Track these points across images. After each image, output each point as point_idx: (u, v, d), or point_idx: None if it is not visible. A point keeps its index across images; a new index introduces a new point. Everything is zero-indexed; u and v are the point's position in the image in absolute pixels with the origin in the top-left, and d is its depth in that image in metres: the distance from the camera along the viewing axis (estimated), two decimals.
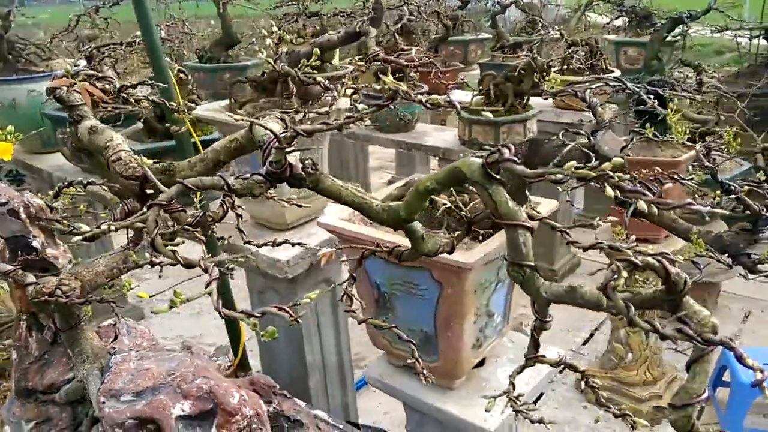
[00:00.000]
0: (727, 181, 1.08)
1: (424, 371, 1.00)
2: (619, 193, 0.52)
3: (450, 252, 0.68)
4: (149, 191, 0.69)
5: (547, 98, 2.82)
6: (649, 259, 0.58)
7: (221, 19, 2.99)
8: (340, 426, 1.14)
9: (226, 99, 1.87)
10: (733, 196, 1.02)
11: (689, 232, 1.11)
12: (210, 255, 0.79)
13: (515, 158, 0.52)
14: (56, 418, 1.00)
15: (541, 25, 3.07)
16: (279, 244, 1.14)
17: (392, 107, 2.95)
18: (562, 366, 0.69)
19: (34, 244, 0.90)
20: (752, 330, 3.04)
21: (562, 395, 2.65)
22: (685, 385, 0.57)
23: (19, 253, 0.89)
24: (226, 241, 1.84)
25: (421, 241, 0.64)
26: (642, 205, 0.63)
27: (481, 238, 1.30)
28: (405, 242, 1.31)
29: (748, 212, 1.05)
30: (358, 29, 1.78)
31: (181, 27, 2.80)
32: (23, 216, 0.88)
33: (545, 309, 0.65)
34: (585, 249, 0.64)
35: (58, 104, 2.26)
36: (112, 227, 0.60)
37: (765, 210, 1.02)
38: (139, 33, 1.90)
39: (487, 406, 0.80)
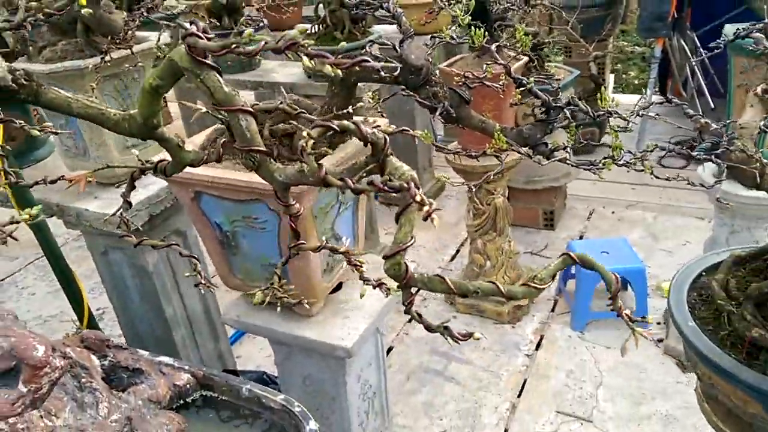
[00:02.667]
0: (522, 80, 1.14)
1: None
2: (308, 60, 0.51)
3: (218, 160, 0.66)
4: None
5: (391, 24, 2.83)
6: (346, 122, 0.61)
7: None
8: (186, 367, 1.12)
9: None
10: (523, 89, 1.09)
11: (494, 130, 1.18)
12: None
13: (198, 33, 0.50)
14: None
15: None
16: None
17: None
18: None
19: None
20: (595, 226, 3.37)
21: (434, 309, 2.80)
22: (395, 236, 0.61)
23: None
24: (55, 205, 1.71)
25: (179, 150, 0.61)
26: None
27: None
28: (230, 175, 1.28)
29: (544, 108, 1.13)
30: None
31: None
32: None
33: (284, 192, 0.66)
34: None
35: None
36: None
37: (553, 101, 1.09)
38: None
39: (361, 291, 0.82)
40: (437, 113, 1.16)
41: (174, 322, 1.90)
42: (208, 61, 0.52)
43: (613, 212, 3.46)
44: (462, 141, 2.41)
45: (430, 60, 1.12)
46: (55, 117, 1.62)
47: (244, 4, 2.78)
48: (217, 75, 0.53)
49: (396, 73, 1.15)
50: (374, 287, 0.76)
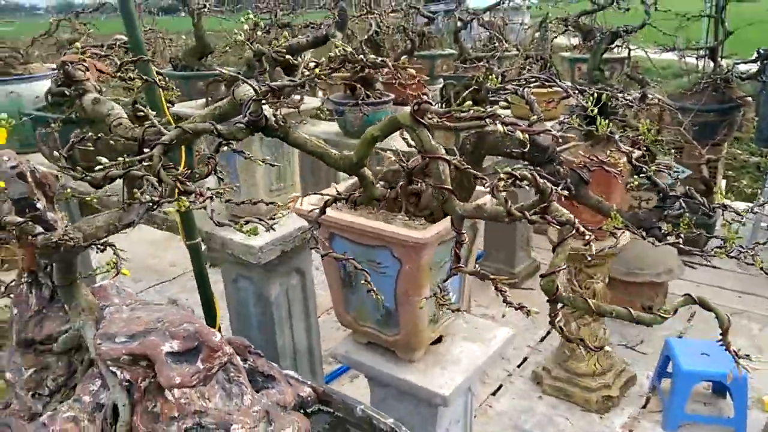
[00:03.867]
0: (643, 168, 1.25)
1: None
2: (503, 128, 0.66)
3: (392, 198, 0.82)
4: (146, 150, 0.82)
5: (505, 107, 3.04)
6: (525, 172, 0.75)
7: (195, 29, 3.12)
8: (308, 382, 1.27)
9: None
10: (642, 175, 1.20)
11: (610, 210, 1.29)
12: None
13: (430, 102, 0.67)
14: (53, 365, 1.11)
15: (500, 40, 3.29)
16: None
17: (361, 113, 3.13)
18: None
19: (38, 206, 1.02)
20: (696, 328, 3.26)
21: (520, 387, 2.81)
22: (552, 261, 0.74)
23: (25, 213, 1.01)
24: (204, 233, 1.97)
25: (371, 186, 0.78)
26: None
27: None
28: (362, 221, 1.46)
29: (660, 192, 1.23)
30: (325, 32, 1.94)
31: (161, 36, 2.92)
32: (30, 180, 1.00)
33: (460, 223, 0.81)
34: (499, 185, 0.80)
35: (38, 105, 2.32)
36: (118, 171, 0.73)
37: (669, 189, 1.20)
38: (118, 36, 2.03)
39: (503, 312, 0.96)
40: (559, 188, 1.29)
41: (282, 352, 2.08)
42: (425, 122, 0.70)
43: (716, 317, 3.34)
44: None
45: (558, 141, 1.26)
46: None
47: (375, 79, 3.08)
48: (427, 132, 0.71)
49: (525, 150, 1.30)
50: (516, 309, 0.88)
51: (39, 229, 0.92)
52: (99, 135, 0.87)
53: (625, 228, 1.22)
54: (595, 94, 1.52)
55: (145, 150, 0.78)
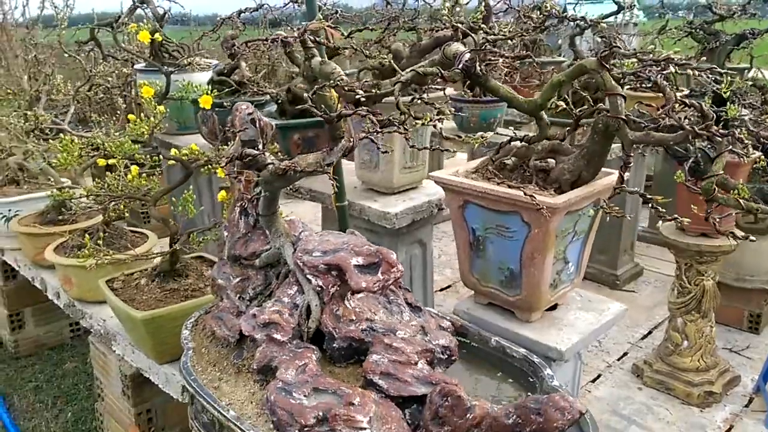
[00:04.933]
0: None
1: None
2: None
3: (562, 140, 1.00)
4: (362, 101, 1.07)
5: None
6: (690, 100, 0.92)
7: None
8: (447, 317, 1.48)
9: None
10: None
11: (736, 186, 1.42)
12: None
13: (619, 47, 0.86)
14: (253, 277, 1.39)
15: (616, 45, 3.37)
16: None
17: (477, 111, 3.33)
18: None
19: (259, 147, 1.31)
20: None
21: (619, 378, 2.89)
22: (711, 168, 0.90)
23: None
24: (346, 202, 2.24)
25: (546, 126, 0.97)
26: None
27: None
28: (497, 188, 1.66)
29: None
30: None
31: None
32: (258, 127, 1.29)
33: (630, 147, 0.98)
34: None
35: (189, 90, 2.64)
36: (346, 111, 0.97)
37: None
38: (280, 32, 2.36)
39: None
40: (686, 164, 1.43)
41: None
42: (607, 66, 0.90)
43: None
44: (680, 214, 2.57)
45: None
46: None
47: None
48: (608, 74, 0.90)
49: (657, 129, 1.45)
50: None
51: (269, 159, 1.20)
52: (315, 89, 1.13)
53: (753, 199, 1.35)
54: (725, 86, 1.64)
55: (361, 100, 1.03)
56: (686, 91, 2.86)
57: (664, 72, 1.64)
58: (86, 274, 1.96)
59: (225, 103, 2.60)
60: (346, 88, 1.07)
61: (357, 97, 1.03)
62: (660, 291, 3.68)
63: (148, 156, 1.93)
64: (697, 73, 1.54)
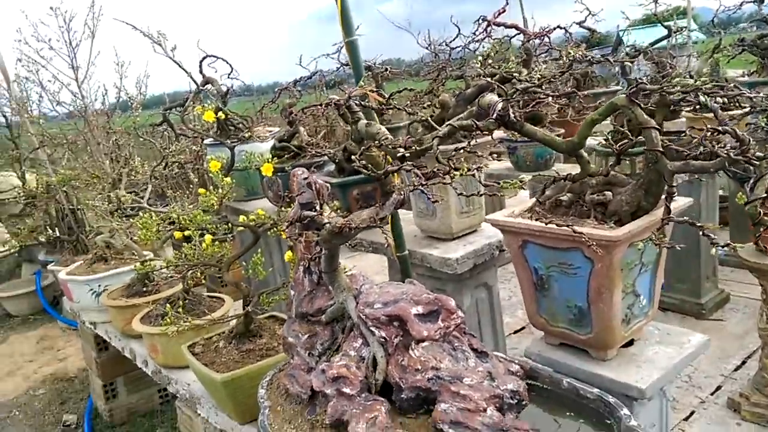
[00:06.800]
0: None
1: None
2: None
3: (606, 174, 1.01)
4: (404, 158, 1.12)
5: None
6: (726, 128, 0.91)
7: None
8: (516, 360, 1.47)
9: None
10: None
11: None
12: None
13: (645, 82, 0.87)
14: (320, 333, 1.44)
15: (669, 69, 3.32)
16: None
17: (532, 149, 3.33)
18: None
19: (317, 208, 1.38)
20: None
21: (715, 413, 2.71)
22: (755, 192, 0.87)
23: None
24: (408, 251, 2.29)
25: (587, 164, 0.99)
26: None
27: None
28: (551, 226, 1.65)
29: None
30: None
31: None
32: (314, 189, 1.36)
33: (671, 177, 0.98)
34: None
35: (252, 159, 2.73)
36: (392, 168, 1.03)
37: None
38: (332, 96, 2.48)
39: None
40: (747, 185, 1.39)
41: None
42: (638, 101, 0.91)
43: None
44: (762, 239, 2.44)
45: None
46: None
47: None
48: (640, 109, 0.92)
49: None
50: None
51: (326, 220, 1.27)
52: (363, 150, 1.20)
53: None
54: None
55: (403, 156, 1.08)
56: (747, 108, 2.76)
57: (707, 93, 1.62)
58: (170, 341, 2.08)
59: (286, 168, 2.73)
60: (390, 146, 1.13)
61: (399, 154, 1.08)
62: (750, 317, 3.46)
63: (222, 224, 2.06)
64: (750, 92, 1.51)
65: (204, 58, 3.39)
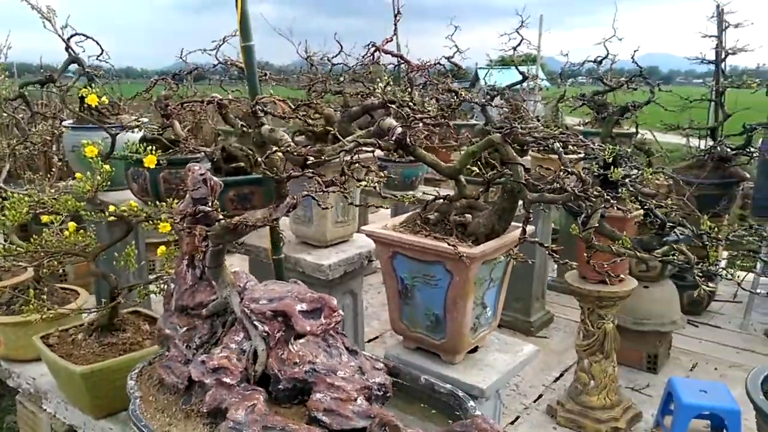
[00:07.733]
0: (647, 202, 1.65)
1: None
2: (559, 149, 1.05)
3: (477, 198, 1.19)
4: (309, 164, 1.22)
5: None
6: (573, 170, 1.14)
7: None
8: (381, 359, 1.62)
9: None
10: (645, 208, 1.59)
11: (621, 238, 1.67)
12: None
13: (518, 128, 1.07)
14: (200, 326, 1.48)
15: (522, 111, 3.78)
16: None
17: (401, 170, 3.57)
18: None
19: (209, 206, 1.43)
20: (697, 377, 3.54)
21: (536, 418, 3.09)
22: (588, 223, 1.10)
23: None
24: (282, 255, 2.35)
25: (464, 188, 1.16)
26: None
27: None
28: (424, 240, 1.84)
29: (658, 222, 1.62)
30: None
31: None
32: (208, 186, 1.41)
33: (529, 206, 1.19)
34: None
35: (128, 148, 2.70)
36: (296, 173, 1.12)
37: (667, 220, 1.58)
38: (214, 95, 2.49)
39: None
40: (579, 218, 1.68)
41: None
42: (510, 142, 1.10)
43: (716, 369, 3.63)
44: (582, 268, 2.87)
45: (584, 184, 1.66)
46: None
47: None
48: (510, 147, 1.11)
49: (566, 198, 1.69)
50: None
51: (220, 216, 1.32)
52: (268, 154, 1.28)
53: (633, 248, 1.60)
54: (608, 152, 1.94)
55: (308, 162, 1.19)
56: (582, 154, 3.25)
57: (561, 141, 1.91)
58: (16, 332, 1.95)
59: (161, 162, 2.67)
60: (294, 153, 1.22)
61: (307, 162, 1.18)
62: (569, 336, 3.98)
63: (98, 213, 1.98)
64: (584, 142, 1.81)
65: (71, 36, 3.20)
